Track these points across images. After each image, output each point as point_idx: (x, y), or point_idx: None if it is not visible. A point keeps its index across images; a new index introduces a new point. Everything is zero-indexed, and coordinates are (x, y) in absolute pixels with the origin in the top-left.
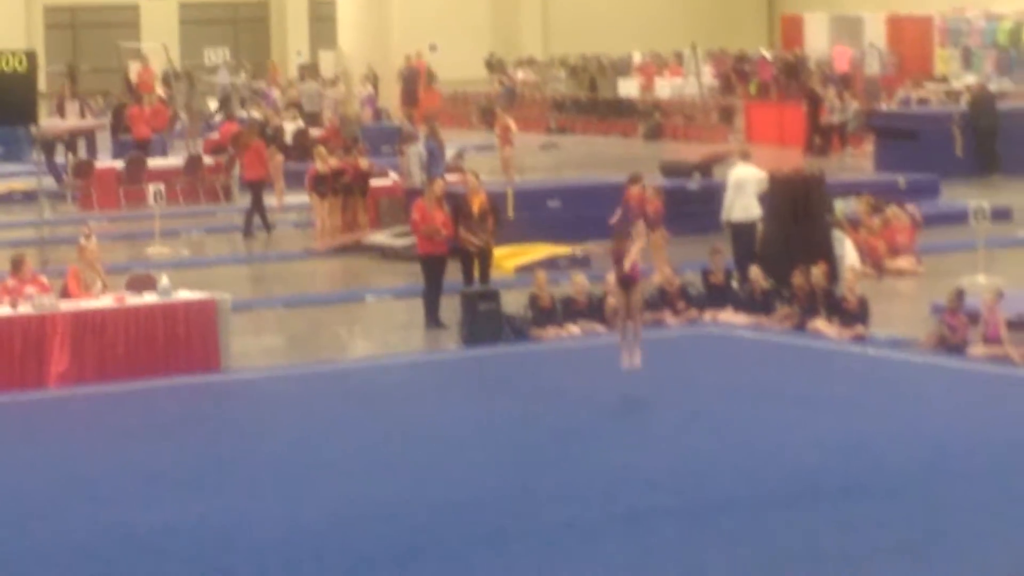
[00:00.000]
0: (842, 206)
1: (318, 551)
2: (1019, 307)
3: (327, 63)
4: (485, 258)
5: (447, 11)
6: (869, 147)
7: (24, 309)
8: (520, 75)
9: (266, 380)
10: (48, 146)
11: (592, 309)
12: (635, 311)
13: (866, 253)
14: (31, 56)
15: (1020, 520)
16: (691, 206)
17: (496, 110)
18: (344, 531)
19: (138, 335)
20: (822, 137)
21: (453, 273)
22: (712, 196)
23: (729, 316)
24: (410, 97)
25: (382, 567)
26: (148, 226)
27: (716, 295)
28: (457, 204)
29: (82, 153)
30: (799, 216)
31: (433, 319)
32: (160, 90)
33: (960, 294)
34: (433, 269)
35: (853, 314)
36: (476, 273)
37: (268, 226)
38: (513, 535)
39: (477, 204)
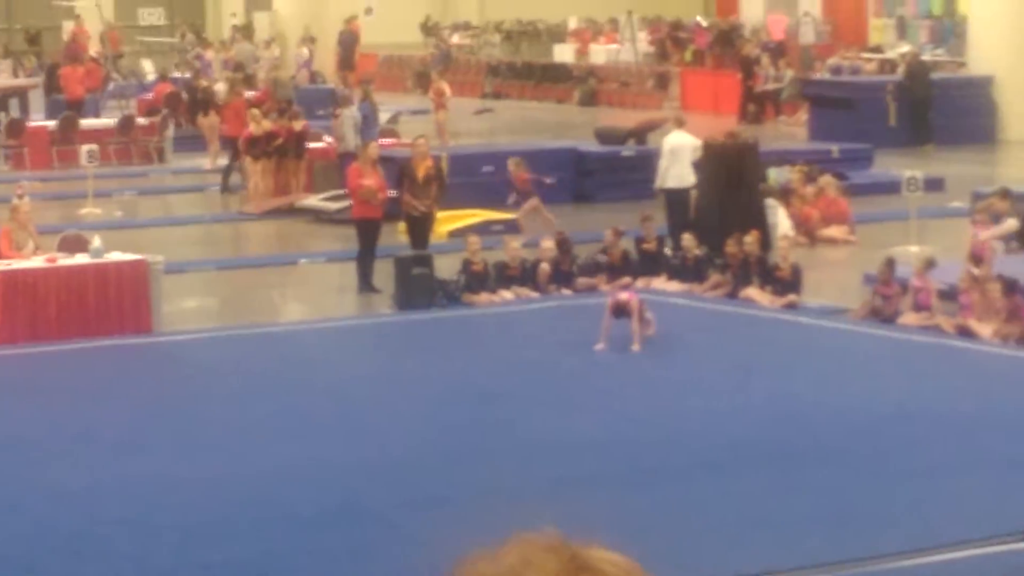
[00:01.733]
0: (775, 174)
1: (248, 512)
2: (950, 277)
3: (262, 25)
4: (427, 224)
5: None
6: (803, 115)
7: None
8: (455, 39)
9: (198, 342)
10: None
11: (525, 275)
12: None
13: (799, 222)
14: None
15: (949, 489)
16: (625, 173)
17: (431, 74)
18: (274, 492)
19: (70, 296)
20: (756, 105)
21: (386, 237)
22: (646, 163)
23: (662, 283)
24: (347, 61)
25: (312, 528)
26: (81, 187)
27: (649, 262)
28: (403, 168)
29: (14, 112)
30: (733, 184)
31: (367, 283)
32: (95, 50)
33: (891, 263)
34: (368, 233)
35: (786, 282)
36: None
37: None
38: (441, 499)
39: (423, 169)
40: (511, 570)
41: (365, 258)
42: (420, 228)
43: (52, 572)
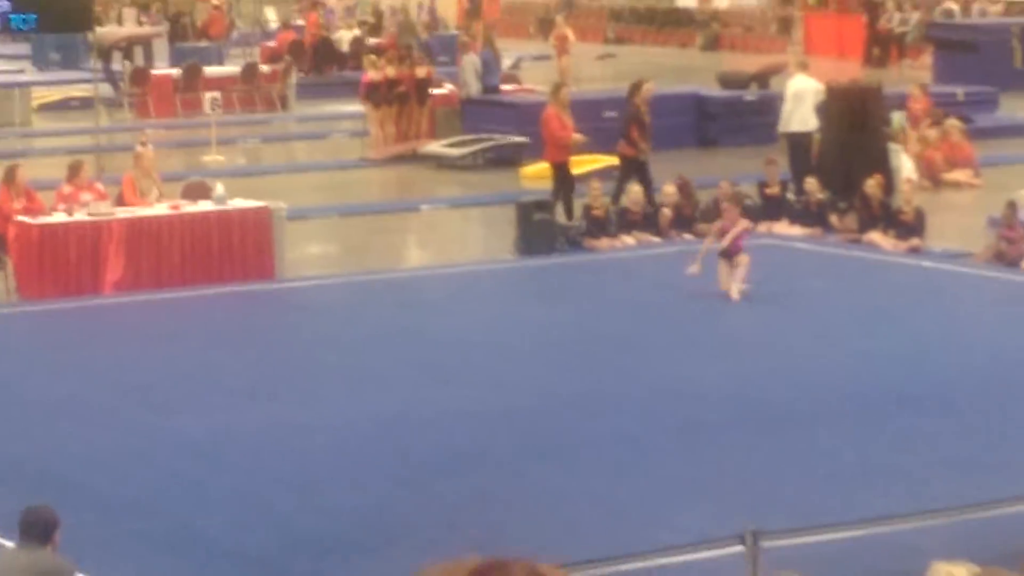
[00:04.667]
0: (899, 118)
1: (372, 459)
2: None
3: None
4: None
5: None
6: (928, 59)
7: (80, 216)
8: None
9: (321, 289)
10: (105, 53)
11: (647, 220)
12: (739, 273)
13: (923, 165)
14: None
15: None
16: (748, 117)
17: (555, 19)
18: (398, 440)
19: (193, 243)
20: (881, 48)
21: (511, 183)
22: (769, 107)
23: (785, 228)
24: (475, 9)
25: (435, 476)
26: (204, 134)
27: (772, 207)
28: (635, 114)
29: (139, 60)
30: (856, 127)
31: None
32: None
33: (1013, 206)
34: (566, 174)
35: (909, 226)
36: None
37: None
38: (566, 445)
39: (647, 114)
40: None
41: (567, 194)
42: (645, 172)
43: (176, 518)
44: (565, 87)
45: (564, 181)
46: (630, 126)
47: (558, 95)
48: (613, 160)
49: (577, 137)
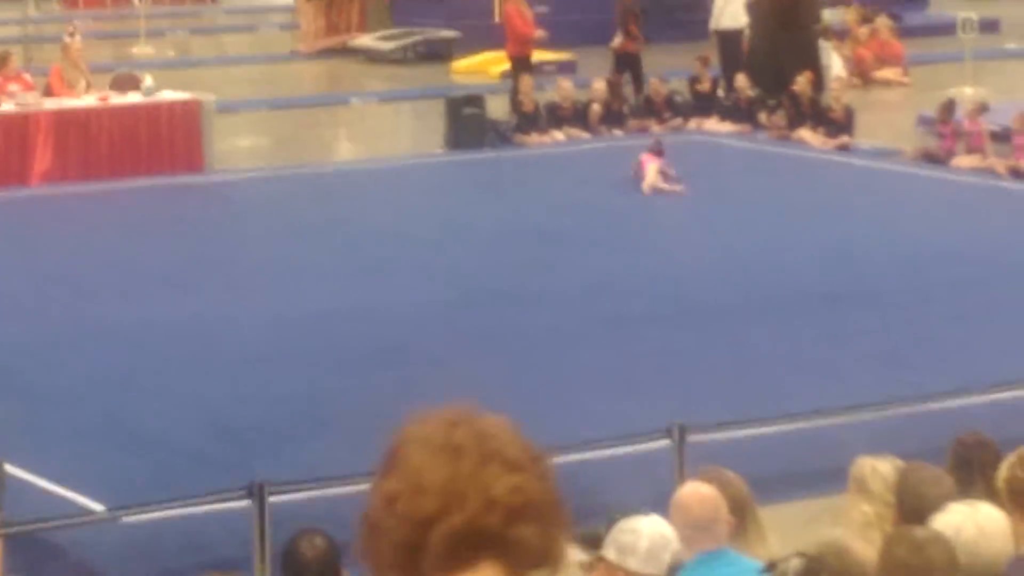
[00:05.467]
0: (830, 16)
1: (300, 349)
2: (1004, 119)
3: None
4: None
5: None
6: None
7: (7, 107)
8: None
9: (249, 181)
10: None
11: (577, 115)
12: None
13: (853, 63)
14: None
15: (1000, 328)
16: (679, 13)
17: None
18: (326, 331)
19: (122, 134)
20: None
21: (440, 77)
22: (700, 4)
23: (715, 124)
24: None
25: (364, 366)
26: (133, 25)
27: (702, 103)
28: (630, 8)
29: None
30: (786, 25)
31: None
32: None
33: (951, 104)
34: (527, 67)
35: (838, 124)
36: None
37: None
38: (495, 337)
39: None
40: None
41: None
42: (638, 65)
43: (105, 407)
44: None
45: (525, 72)
46: (628, 20)
47: None
48: (542, 55)
49: (539, 33)
